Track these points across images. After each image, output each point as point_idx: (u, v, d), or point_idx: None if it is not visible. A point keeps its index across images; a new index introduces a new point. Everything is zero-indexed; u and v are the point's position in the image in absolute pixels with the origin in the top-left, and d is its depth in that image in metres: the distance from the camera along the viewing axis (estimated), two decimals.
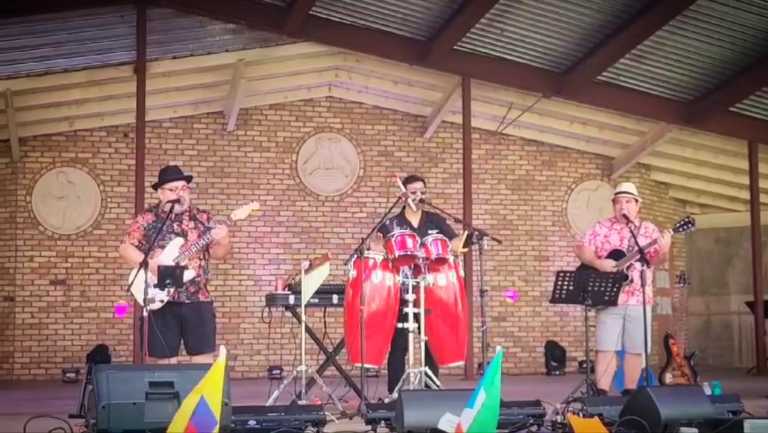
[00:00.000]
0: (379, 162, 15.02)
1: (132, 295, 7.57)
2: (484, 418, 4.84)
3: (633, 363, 8.74)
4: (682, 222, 8.69)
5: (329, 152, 14.93)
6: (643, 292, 8.29)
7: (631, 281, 8.54)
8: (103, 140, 14.20)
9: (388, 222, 8.42)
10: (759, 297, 15.05)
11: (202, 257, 7.68)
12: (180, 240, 7.57)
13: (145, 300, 7.21)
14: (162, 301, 7.40)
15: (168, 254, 7.50)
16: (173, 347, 7.54)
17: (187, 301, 7.56)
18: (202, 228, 7.65)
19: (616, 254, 8.65)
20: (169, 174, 7.83)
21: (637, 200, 8.86)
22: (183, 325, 7.58)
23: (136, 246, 7.60)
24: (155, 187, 7.87)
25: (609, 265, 8.57)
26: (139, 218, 7.86)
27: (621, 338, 8.61)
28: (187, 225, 7.67)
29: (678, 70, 13.71)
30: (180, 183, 7.71)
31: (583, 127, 15.38)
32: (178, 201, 7.60)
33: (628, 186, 9.05)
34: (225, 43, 13.35)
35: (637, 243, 8.39)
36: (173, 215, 7.60)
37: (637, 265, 8.47)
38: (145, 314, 7.24)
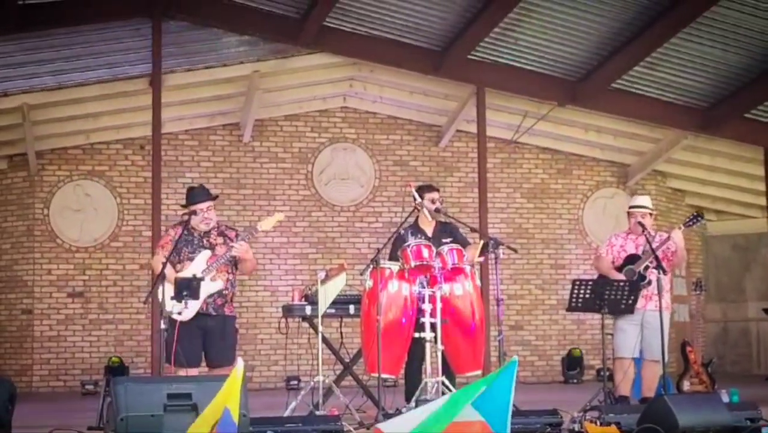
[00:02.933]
0: (395, 172, 15.03)
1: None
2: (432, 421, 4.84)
3: (651, 370, 8.72)
4: (692, 216, 8.78)
5: (344, 162, 14.96)
6: (660, 298, 8.29)
7: (649, 283, 8.54)
8: (120, 153, 14.26)
9: (403, 231, 8.48)
10: None
11: (229, 270, 7.92)
12: (208, 252, 7.81)
13: (161, 312, 7.37)
14: (190, 311, 7.60)
15: (196, 266, 7.73)
16: (197, 358, 7.75)
17: (213, 313, 7.78)
18: (230, 244, 7.88)
19: (632, 259, 8.67)
20: (195, 196, 8.03)
21: (652, 213, 8.89)
22: (206, 337, 7.78)
23: (167, 257, 7.77)
24: (184, 206, 8.10)
25: (622, 277, 8.60)
26: (171, 231, 8.06)
27: (639, 345, 8.61)
28: (215, 240, 7.92)
29: (692, 77, 13.67)
30: (206, 204, 7.94)
31: (598, 134, 15.36)
32: (194, 213, 7.86)
33: (644, 200, 9.08)
34: (240, 54, 13.39)
35: (651, 248, 8.40)
36: (200, 232, 7.87)
37: (654, 270, 8.48)
38: (163, 325, 7.36)
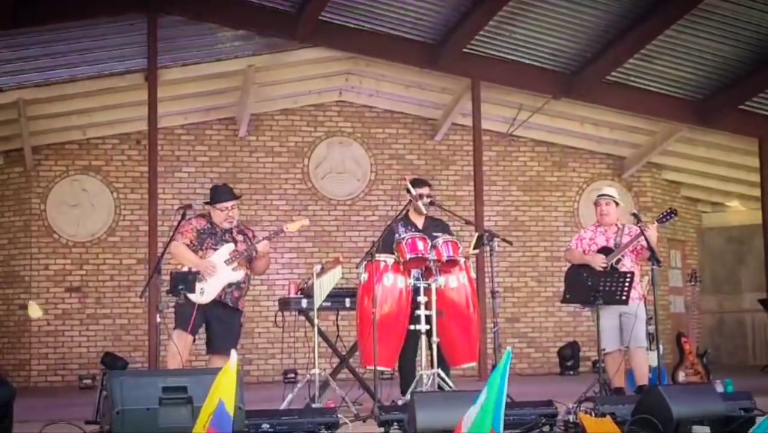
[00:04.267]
0: (391, 165, 15.06)
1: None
2: (484, 411, 4.88)
3: (639, 358, 8.75)
4: (665, 213, 8.85)
5: (340, 156, 14.98)
6: (654, 292, 8.34)
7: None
8: (116, 148, 14.27)
9: (395, 225, 8.54)
10: None
11: (247, 267, 8.18)
12: (231, 245, 8.08)
13: (158, 306, 7.75)
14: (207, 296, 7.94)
15: (220, 255, 8.01)
16: (196, 333, 8.02)
17: (229, 304, 8.06)
18: (249, 242, 8.15)
19: (605, 251, 8.76)
20: (221, 195, 8.27)
21: (617, 203, 9.00)
22: (212, 322, 8.02)
23: (188, 245, 8.07)
24: (207, 204, 8.29)
25: (599, 259, 8.69)
26: (194, 221, 8.23)
27: (622, 336, 8.66)
28: (236, 237, 8.17)
29: (688, 69, 13.69)
30: (230, 203, 8.19)
31: (594, 127, 15.38)
32: (189, 207, 8.10)
33: (608, 189, 9.28)
34: (235, 49, 13.40)
35: (650, 243, 8.44)
36: (222, 229, 8.12)
37: (626, 261, 8.66)
38: (158, 319, 7.60)
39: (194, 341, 8.08)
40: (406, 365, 8.28)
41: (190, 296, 7.78)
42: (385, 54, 13.67)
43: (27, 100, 13.07)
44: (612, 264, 8.65)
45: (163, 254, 8.09)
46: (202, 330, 8.14)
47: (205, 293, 7.88)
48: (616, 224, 8.94)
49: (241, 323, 8.32)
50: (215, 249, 8.03)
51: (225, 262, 7.98)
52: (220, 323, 8.04)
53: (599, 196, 9.10)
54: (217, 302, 7.99)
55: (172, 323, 8.12)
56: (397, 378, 8.57)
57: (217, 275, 7.94)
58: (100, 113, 13.93)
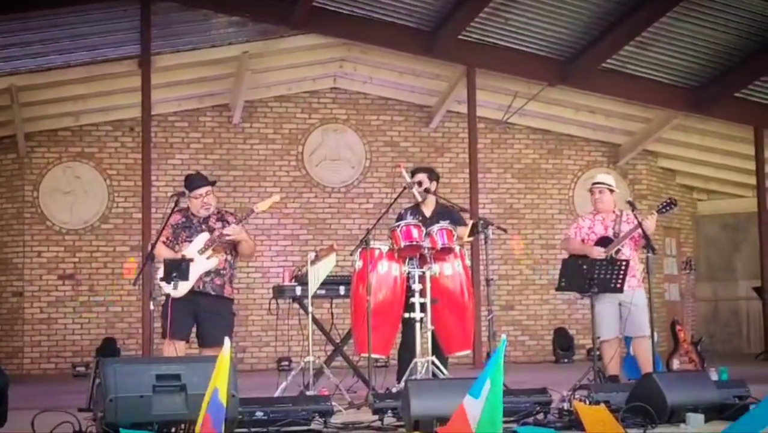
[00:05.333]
0: (385, 153, 15.03)
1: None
2: (491, 407, 4.85)
3: (643, 347, 8.71)
4: (665, 203, 8.79)
5: (335, 144, 14.95)
6: (649, 280, 8.31)
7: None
8: (109, 135, 14.23)
9: (403, 212, 8.63)
10: (766, 283, 15.04)
11: (228, 252, 8.02)
12: (206, 235, 7.93)
13: (151, 294, 7.59)
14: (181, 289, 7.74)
15: (194, 246, 7.87)
16: (186, 332, 7.88)
17: (212, 293, 7.90)
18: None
19: (604, 242, 8.71)
20: (193, 181, 8.16)
21: (612, 190, 8.94)
22: (200, 316, 7.86)
23: (164, 242, 7.99)
24: (182, 195, 8.14)
25: (598, 251, 8.62)
26: (171, 217, 8.08)
27: (620, 324, 8.63)
28: (214, 224, 8.02)
29: (683, 57, 13.68)
30: (204, 189, 8.05)
31: (589, 114, 15.37)
32: (183, 194, 7.98)
33: (603, 177, 9.17)
34: (229, 36, 13.35)
35: (648, 231, 8.41)
36: (199, 219, 8.00)
37: (625, 251, 8.61)
38: (152, 306, 7.51)
39: (187, 341, 7.92)
40: (406, 354, 8.23)
41: (166, 289, 7.66)
42: (380, 41, 13.64)
43: (20, 87, 13.02)
44: (612, 255, 8.61)
45: (156, 241, 8.04)
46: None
47: (179, 285, 7.67)
48: (614, 211, 8.88)
49: (233, 312, 8.16)
50: (190, 241, 7.91)
51: (198, 252, 7.82)
52: (209, 315, 7.86)
53: (593, 184, 9.04)
54: (198, 293, 7.82)
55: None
56: (391, 366, 8.54)
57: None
58: (93, 100, 13.89)
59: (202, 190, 8.03)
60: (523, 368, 13.29)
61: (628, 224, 8.70)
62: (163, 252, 7.90)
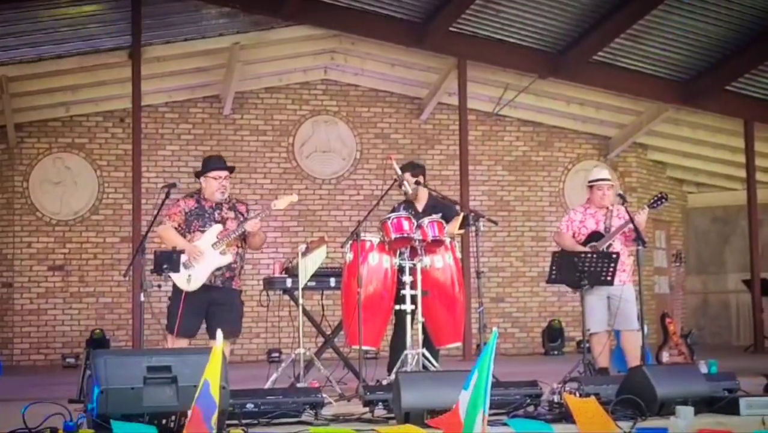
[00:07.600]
0: (376, 144, 15.02)
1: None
2: (476, 392, 4.88)
3: (632, 341, 8.73)
4: (656, 198, 8.80)
5: (326, 135, 14.94)
6: (639, 272, 8.33)
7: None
8: (100, 125, 14.20)
9: (397, 205, 8.64)
10: (756, 275, 15.09)
11: (239, 245, 7.93)
12: (219, 227, 7.82)
13: (142, 285, 7.45)
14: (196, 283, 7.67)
15: (207, 239, 7.76)
16: (194, 330, 7.80)
17: (221, 286, 7.81)
18: (241, 218, 7.90)
19: (595, 236, 8.71)
20: (213, 163, 8.07)
21: (612, 185, 8.94)
22: (210, 309, 7.78)
23: (176, 228, 7.85)
24: (198, 175, 8.05)
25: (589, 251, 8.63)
26: (181, 202, 7.99)
27: (608, 317, 8.64)
28: (226, 214, 7.92)
29: (674, 50, 13.69)
30: (224, 173, 7.97)
31: (580, 107, 15.38)
32: (174, 185, 7.84)
33: (604, 172, 9.08)
34: (220, 27, 13.33)
35: (637, 226, 8.42)
36: (211, 204, 7.87)
37: (615, 245, 8.61)
38: (142, 298, 7.40)
39: (194, 336, 7.83)
40: (397, 346, 8.24)
41: (178, 283, 7.61)
42: (371, 32, 13.62)
43: (10, 77, 12.99)
44: (603, 250, 8.61)
45: (147, 232, 8.01)
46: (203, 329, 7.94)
47: (192, 280, 7.61)
48: (607, 206, 8.87)
49: (242, 302, 8.05)
50: (202, 231, 7.78)
51: (212, 246, 7.71)
52: (219, 307, 7.76)
53: (601, 180, 8.88)
54: (209, 287, 7.74)
55: (157, 303, 8.05)
56: (382, 358, 8.55)
57: (203, 260, 7.68)
58: (83, 91, 13.85)
59: (222, 173, 7.94)
60: (513, 360, 13.31)
61: (619, 218, 8.71)
62: (173, 238, 7.77)
